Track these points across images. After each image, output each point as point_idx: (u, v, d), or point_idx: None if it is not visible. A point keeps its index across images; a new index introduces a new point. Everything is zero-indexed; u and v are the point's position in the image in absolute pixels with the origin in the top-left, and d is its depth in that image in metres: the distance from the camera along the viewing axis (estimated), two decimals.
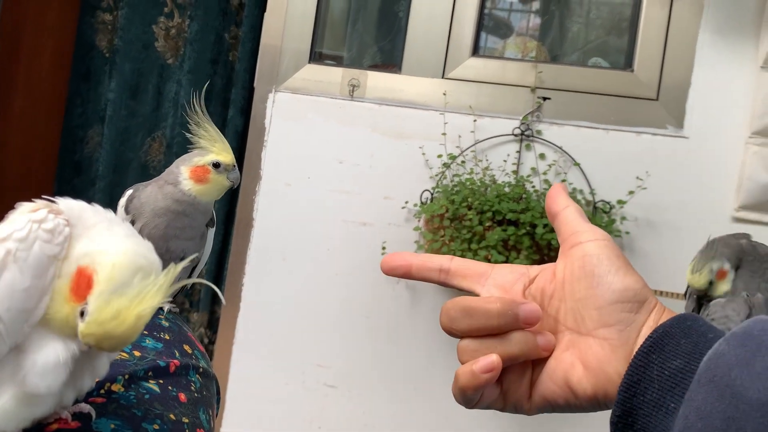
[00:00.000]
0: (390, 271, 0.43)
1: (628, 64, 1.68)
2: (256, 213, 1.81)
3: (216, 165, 0.71)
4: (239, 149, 2.10)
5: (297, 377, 1.79)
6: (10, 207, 0.42)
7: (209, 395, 0.57)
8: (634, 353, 0.35)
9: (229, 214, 2.15)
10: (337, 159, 1.77)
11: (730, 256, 0.88)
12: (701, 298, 0.87)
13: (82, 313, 0.39)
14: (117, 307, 0.37)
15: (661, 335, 0.34)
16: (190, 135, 0.72)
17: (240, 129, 2.16)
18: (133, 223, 0.70)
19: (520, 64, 1.71)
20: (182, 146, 2.22)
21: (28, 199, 0.43)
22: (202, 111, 0.69)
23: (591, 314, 0.37)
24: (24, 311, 0.38)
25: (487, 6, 1.79)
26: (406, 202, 1.71)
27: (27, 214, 0.41)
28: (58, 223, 0.40)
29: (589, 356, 0.37)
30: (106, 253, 0.39)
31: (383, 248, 1.71)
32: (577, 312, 0.38)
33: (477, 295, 0.42)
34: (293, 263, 1.79)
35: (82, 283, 0.39)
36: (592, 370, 0.36)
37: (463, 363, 0.39)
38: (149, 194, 0.72)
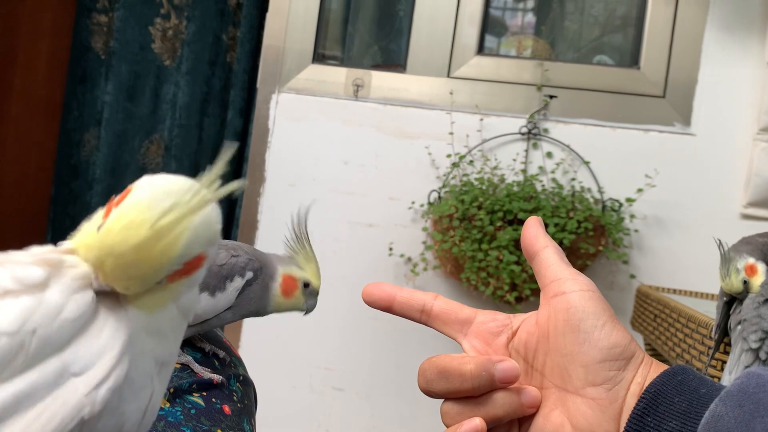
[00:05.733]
0: (371, 303, 0.41)
1: (634, 62, 1.67)
2: (261, 215, 1.79)
3: (306, 285, 0.68)
4: (239, 151, 2.08)
5: (304, 380, 1.77)
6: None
7: (250, 403, 0.56)
8: (629, 416, 0.34)
9: (229, 216, 2.12)
10: (342, 160, 1.76)
11: (751, 252, 0.87)
12: (732, 299, 0.86)
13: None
14: (131, 216, 0.29)
15: (653, 395, 0.33)
16: (288, 245, 0.69)
17: (239, 131, 2.14)
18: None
19: (526, 62, 1.70)
20: (181, 148, 2.20)
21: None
22: (305, 226, 0.66)
23: (577, 372, 0.36)
24: None
25: (492, 4, 1.77)
26: (413, 203, 1.69)
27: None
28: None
29: (578, 417, 0.36)
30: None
31: (390, 249, 1.70)
32: (563, 368, 0.37)
33: (459, 343, 0.40)
34: None
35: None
36: (582, 431, 0.35)
37: (447, 426, 0.37)
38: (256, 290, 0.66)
